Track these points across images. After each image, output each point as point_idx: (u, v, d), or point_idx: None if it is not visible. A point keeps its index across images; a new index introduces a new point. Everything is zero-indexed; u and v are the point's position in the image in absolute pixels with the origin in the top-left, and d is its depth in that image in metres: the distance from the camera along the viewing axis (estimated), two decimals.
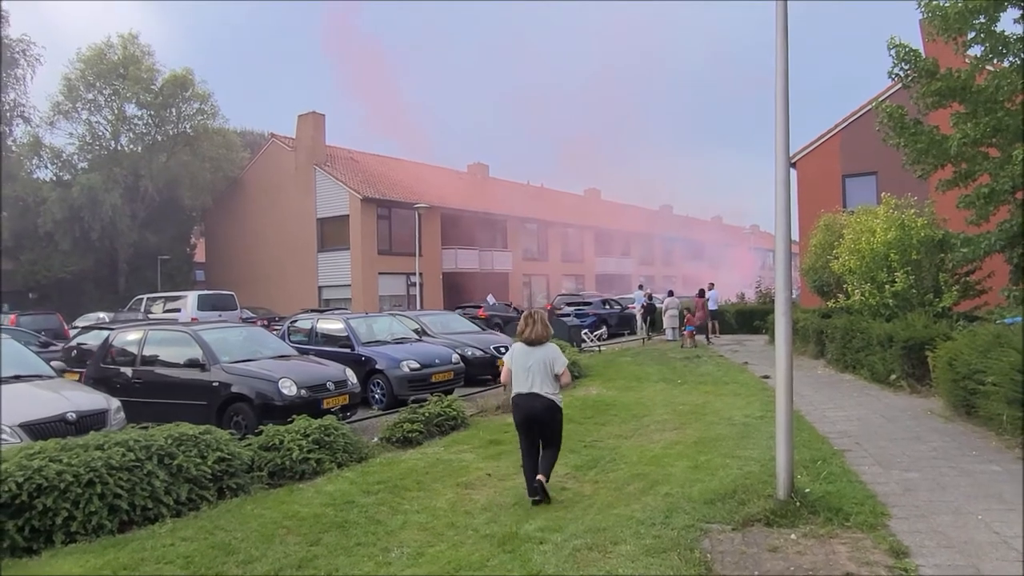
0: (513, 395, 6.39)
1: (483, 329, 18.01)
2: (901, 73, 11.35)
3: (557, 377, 6.27)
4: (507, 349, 14.84)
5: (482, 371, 14.47)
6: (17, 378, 7.89)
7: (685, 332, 22.60)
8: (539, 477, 6.05)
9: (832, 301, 15.73)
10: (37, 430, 6.74)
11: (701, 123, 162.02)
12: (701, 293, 23.53)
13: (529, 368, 6.24)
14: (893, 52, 11.21)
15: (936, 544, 4.74)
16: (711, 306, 25.01)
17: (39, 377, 8.18)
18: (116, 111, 36.36)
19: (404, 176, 38.60)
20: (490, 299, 31.77)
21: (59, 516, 5.24)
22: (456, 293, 37.46)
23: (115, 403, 7.91)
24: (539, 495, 5.97)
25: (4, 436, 6.57)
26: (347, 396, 9.83)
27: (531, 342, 6.35)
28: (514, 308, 29.33)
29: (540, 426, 6.25)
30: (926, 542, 4.77)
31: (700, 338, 22.83)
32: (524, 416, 6.26)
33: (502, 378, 6.72)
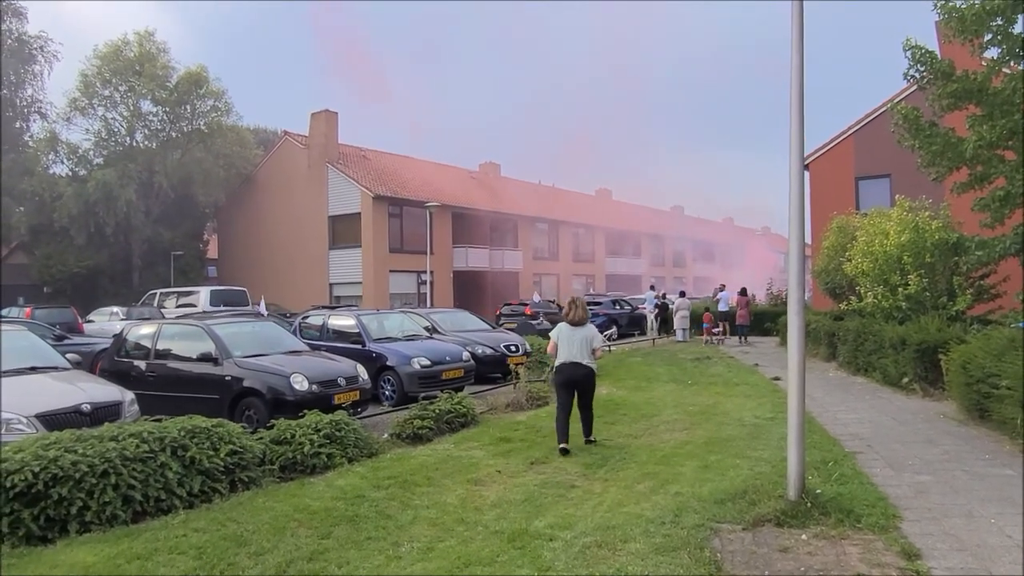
0: (558, 363, 8.13)
1: (494, 327, 18.02)
2: (917, 75, 11.26)
3: (594, 351, 8.06)
4: (517, 348, 15.09)
5: (492, 369, 14.50)
6: (33, 369, 7.98)
7: (714, 330, 23.12)
8: (587, 438, 8.11)
9: (844, 303, 15.66)
10: (53, 421, 6.81)
11: (711, 124, 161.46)
12: (743, 292, 23.56)
13: (572, 343, 8.01)
14: (909, 53, 11.13)
15: (948, 547, 4.72)
16: (721, 307, 25.01)
17: (55, 369, 8.26)
18: (132, 107, 36.59)
19: (416, 174, 38.67)
20: (535, 296, 32.48)
21: (74, 506, 5.30)
22: (466, 292, 37.51)
23: (129, 395, 7.98)
24: (587, 437, 8.11)
25: (20, 426, 6.65)
26: (358, 392, 9.86)
27: (574, 323, 8.13)
28: (557, 305, 30.12)
29: (579, 388, 8.04)
30: (938, 545, 4.75)
31: (733, 339, 22.97)
32: (566, 379, 8.01)
33: (549, 350, 8.62)
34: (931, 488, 6.08)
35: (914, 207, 13.94)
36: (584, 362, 7.98)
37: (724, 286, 26.19)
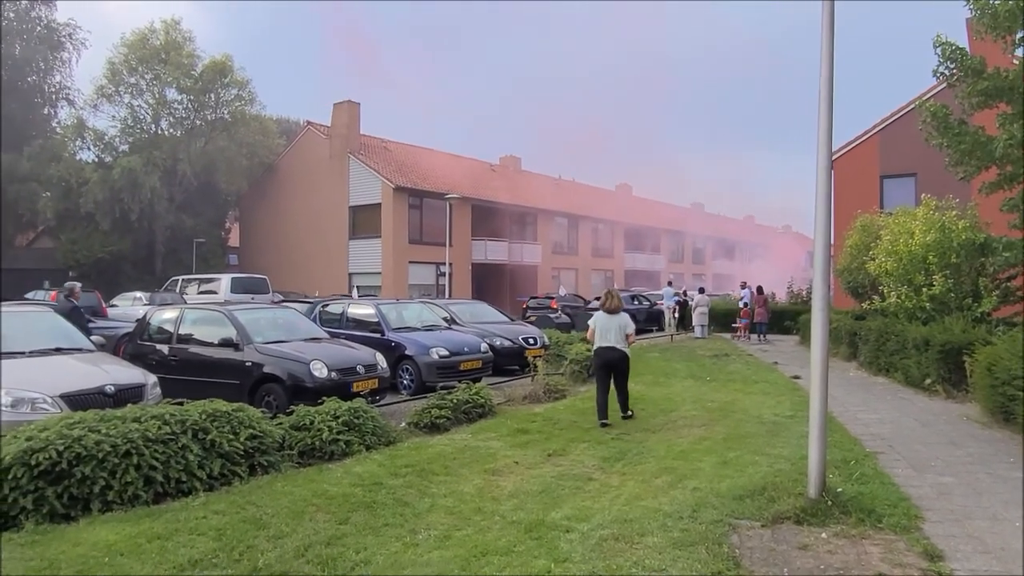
0: (596, 348, 9.22)
1: (512, 320, 18.02)
2: (947, 72, 11.09)
3: (627, 336, 9.13)
4: (536, 340, 15.09)
5: (510, 361, 14.49)
6: (59, 350, 8.10)
7: (739, 324, 23.29)
8: (623, 414, 9.15)
9: (867, 303, 15.47)
10: (77, 401, 6.90)
11: (733, 122, 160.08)
12: (760, 290, 23.43)
13: (608, 329, 9.09)
14: (939, 50, 10.95)
15: (972, 549, 4.65)
16: (741, 305, 24.83)
17: (80, 351, 8.38)
18: (157, 95, 36.95)
19: (436, 166, 38.71)
20: (561, 290, 32.75)
21: (97, 485, 5.37)
22: (484, 285, 37.55)
23: (152, 378, 8.07)
24: (623, 413, 9.17)
25: (45, 406, 6.75)
26: (377, 380, 9.91)
27: (610, 311, 9.17)
28: (582, 299, 30.77)
29: (615, 370, 9.11)
30: (961, 546, 4.69)
31: (752, 336, 22.88)
32: (604, 362, 9.13)
33: (588, 336, 9.53)
34: (954, 490, 6.00)
35: (940, 206, 13.73)
36: (619, 346, 9.05)
37: (745, 283, 26.04)
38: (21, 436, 5.38)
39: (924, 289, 12.77)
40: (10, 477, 5.09)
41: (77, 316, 10.81)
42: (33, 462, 5.17)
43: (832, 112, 5.42)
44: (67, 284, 11.63)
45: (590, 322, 9.44)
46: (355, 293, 27.67)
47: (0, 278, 26.30)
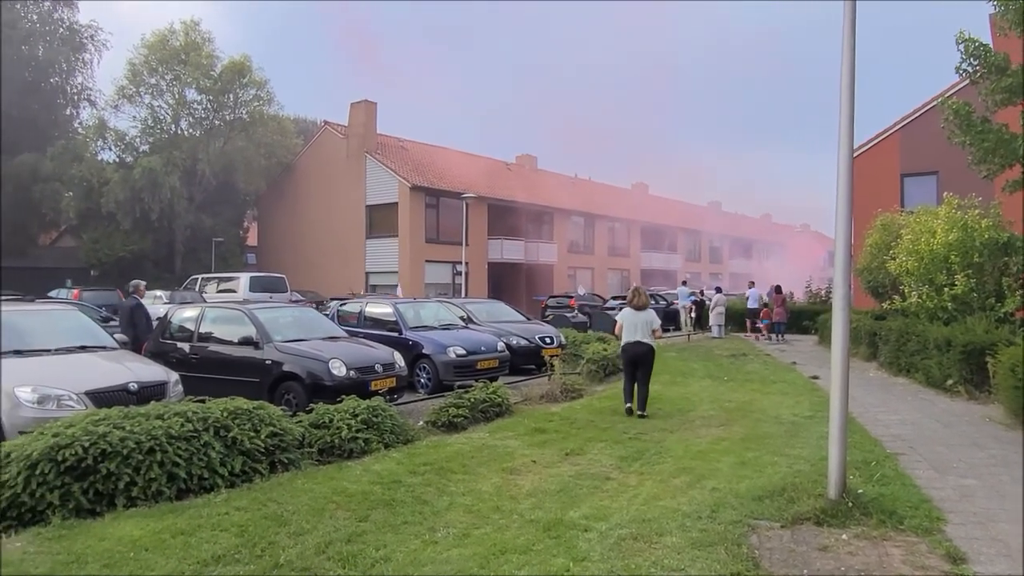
0: (623, 343, 9.72)
1: (529, 319, 18.03)
2: (969, 68, 10.97)
3: (653, 331, 9.60)
4: (552, 339, 15.08)
5: (527, 360, 14.49)
6: (83, 348, 8.22)
7: (761, 325, 23.14)
8: (639, 412, 9.34)
9: (887, 303, 15.32)
10: (101, 398, 7.01)
11: (749, 119, 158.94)
12: (778, 289, 23.30)
13: (635, 325, 9.57)
14: (961, 47, 10.84)
15: (995, 552, 4.61)
16: (751, 304, 24.76)
17: (103, 348, 8.50)
18: (177, 96, 37.33)
19: (453, 166, 38.79)
20: (580, 289, 32.76)
21: (121, 481, 5.44)
22: (500, 284, 37.58)
23: (174, 376, 8.18)
24: (639, 412, 9.35)
25: (71, 403, 6.86)
26: (394, 379, 9.96)
27: (637, 307, 9.68)
28: (601, 299, 31.03)
29: (641, 363, 9.52)
30: (984, 549, 4.64)
31: (772, 336, 22.78)
32: (631, 356, 9.60)
33: (615, 331, 10.03)
34: (977, 492, 5.94)
35: (963, 205, 13.57)
36: (644, 340, 9.56)
37: (753, 283, 25.96)
38: (48, 432, 5.47)
39: (946, 289, 12.63)
40: (37, 472, 5.17)
41: (141, 312, 11.16)
42: (60, 458, 5.26)
43: (853, 109, 5.39)
44: (132, 282, 12.14)
45: (617, 318, 9.98)
46: (398, 291, 27.72)
47: (0, 277, 26.69)
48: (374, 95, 62.93)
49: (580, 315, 26.55)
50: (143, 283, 12.10)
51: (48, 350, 7.87)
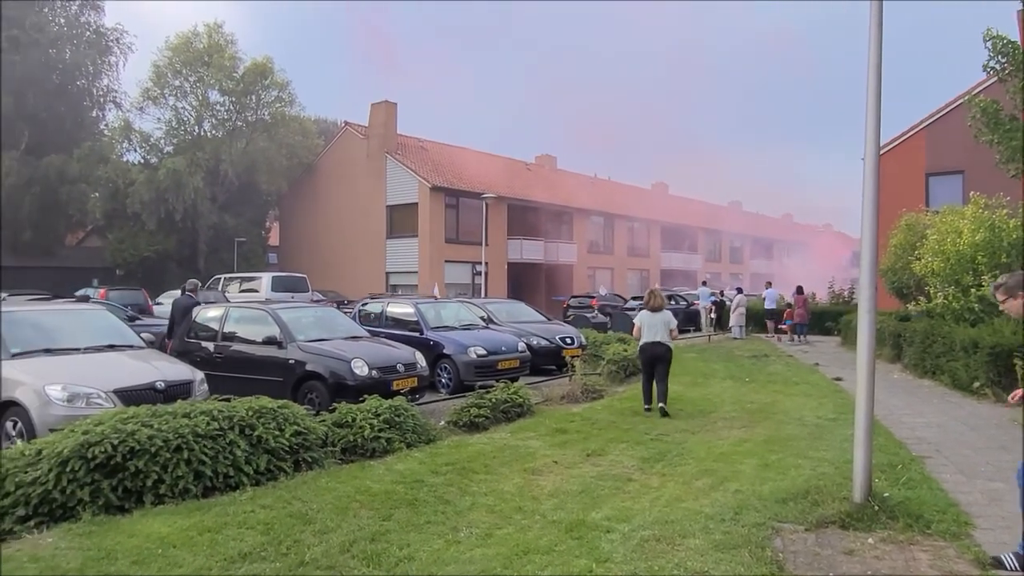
0: (641, 343, 9.89)
1: (549, 319, 18.03)
2: (997, 66, 10.82)
3: (670, 331, 9.83)
4: (572, 340, 15.07)
5: (547, 360, 14.50)
6: (111, 347, 8.36)
7: (785, 326, 22.96)
8: (660, 404, 9.55)
9: (912, 304, 15.14)
10: (129, 396, 7.14)
11: (770, 117, 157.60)
12: (800, 290, 23.14)
13: (653, 326, 9.80)
14: (989, 44, 10.69)
15: None
16: (768, 305, 24.58)
17: (131, 347, 8.63)
18: (200, 97, 37.77)
19: (472, 166, 38.89)
20: (602, 289, 32.84)
21: (149, 478, 5.52)
22: (520, 284, 37.59)
23: (199, 375, 8.29)
24: (661, 409, 9.52)
25: (100, 401, 6.98)
26: (416, 379, 10.02)
27: (654, 309, 9.90)
28: (622, 299, 31.23)
29: (660, 362, 9.74)
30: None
31: (795, 338, 22.62)
32: (649, 356, 9.78)
33: (634, 333, 10.19)
34: (1005, 496, 5.84)
35: (990, 205, 13.37)
36: (662, 340, 9.75)
37: (770, 283, 25.76)
38: (78, 430, 5.56)
39: (972, 290, 12.45)
40: (68, 470, 5.26)
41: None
42: (89, 455, 5.35)
43: (880, 109, 5.33)
44: (190, 281, 13.05)
45: (635, 320, 10.08)
46: (435, 290, 27.82)
47: (0, 275, 27.14)
48: (394, 95, 63.19)
49: (600, 315, 26.51)
50: (198, 283, 13.16)
51: (77, 349, 8.02)
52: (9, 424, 7.10)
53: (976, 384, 10.86)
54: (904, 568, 4.35)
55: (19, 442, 6.60)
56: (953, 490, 6.00)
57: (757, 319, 25.70)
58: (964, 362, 11.32)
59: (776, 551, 4.64)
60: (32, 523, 5.05)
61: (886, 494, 5.51)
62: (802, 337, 22.48)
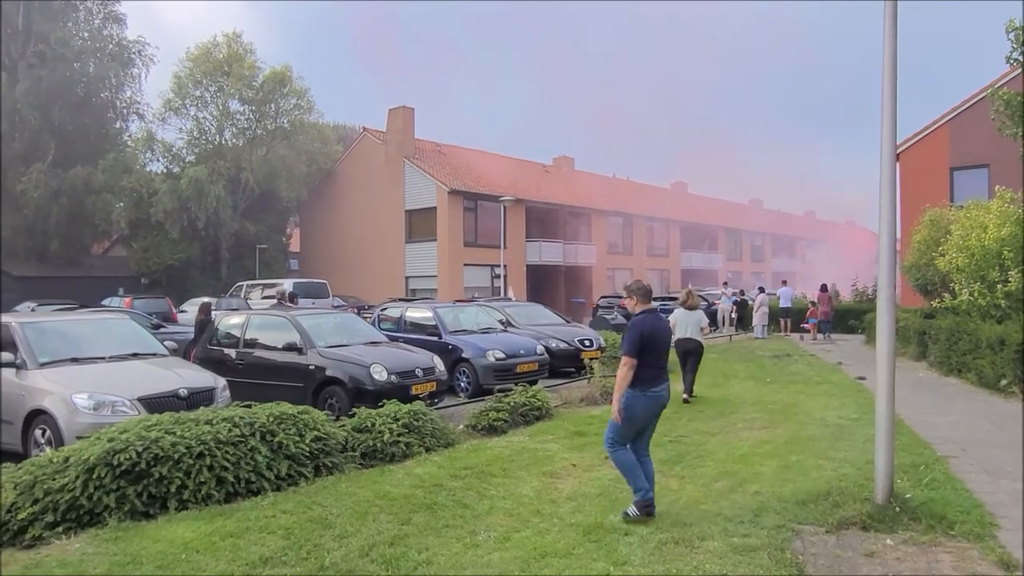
0: (676, 339, 10.53)
1: (568, 322, 18.02)
2: (1020, 58, 10.65)
3: (702, 329, 10.98)
4: (591, 342, 15.04)
5: (566, 363, 14.49)
6: (135, 355, 8.50)
7: (808, 325, 22.86)
8: (684, 395, 10.55)
9: (936, 301, 14.92)
10: (153, 404, 7.25)
11: (792, 114, 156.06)
12: (824, 288, 22.93)
13: (687, 323, 10.87)
14: (1012, 36, 10.53)
15: None
16: (783, 303, 24.34)
17: (154, 355, 8.77)
18: (221, 107, 38.21)
19: (490, 169, 38.93)
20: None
21: (173, 484, 5.62)
22: (539, 286, 37.57)
23: (222, 382, 8.40)
24: (684, 396, 10.52)
25: (124, 408, 7.11)
26: (435, 383, 10.07)
27: (688, 308, 10.98)
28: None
29: (691, 356, 10.84)
30: None
31: (819, 336, 22.42)
32: (682, 351, 10.84)
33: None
34: None
35: (1016, 199, 13.15)
36: (695, 337, 10.84)
37: (785, 282, 25.53)
38: (104, 437, 5.67)
39: (999, 286, 12.26)
40: (94, 476, 5.37)
41: None
42: (115, 462, 5.45)
43: (896, 101, 5.28)
44: (203, 304, 14.61)
45: (671, 318, 10.59)
46: (511, 293, 27.94)
47: (0, 284, 27.60)
48: (411, 100, 63.52)
49: (620, 317, 26.40)
50: (211, 303, 15.07)
51: (103, 357, 8.16)
52: (38, 432, 7.25)
53: (1003, 382, 10.69)
54: (926, 570, 4.30)
55: (48, 450, 6.73)
56: (978, 490, 5.91)
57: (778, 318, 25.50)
58: (990, 359, 11.14)
59: (796, 553, 4.60)
60: (60, 529, 5.15)
61: (908, 495, 5.45)
62: (826, 335, 22.24)
